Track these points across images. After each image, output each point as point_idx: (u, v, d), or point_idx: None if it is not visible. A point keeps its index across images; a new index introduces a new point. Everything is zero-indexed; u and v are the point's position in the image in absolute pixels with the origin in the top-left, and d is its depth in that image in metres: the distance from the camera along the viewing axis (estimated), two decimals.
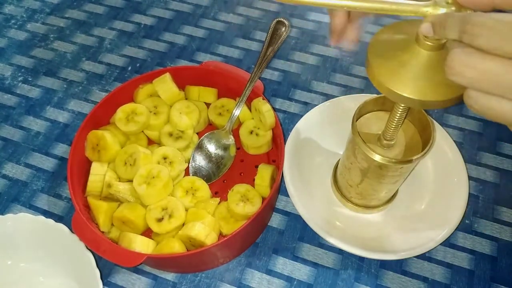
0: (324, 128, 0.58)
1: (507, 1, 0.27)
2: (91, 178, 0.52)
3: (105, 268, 0.52)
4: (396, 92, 0.31)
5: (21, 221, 0.50)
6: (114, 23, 0.77)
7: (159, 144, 0.57)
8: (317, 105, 0.59)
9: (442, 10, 0.29)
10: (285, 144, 0.54)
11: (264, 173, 0.52)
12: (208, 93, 0.60)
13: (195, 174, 0.56)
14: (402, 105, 0.38)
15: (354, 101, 0.57)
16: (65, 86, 0.69)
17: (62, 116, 0.66)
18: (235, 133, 0.58)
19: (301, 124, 0.57)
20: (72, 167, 0.51)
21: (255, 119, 0.58)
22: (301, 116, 0.58)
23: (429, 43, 0.30)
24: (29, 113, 0.66)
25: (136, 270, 0.52)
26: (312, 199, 0.54)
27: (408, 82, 0.31)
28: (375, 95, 0.44)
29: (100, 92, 0.68)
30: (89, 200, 0.51)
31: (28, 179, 0.60)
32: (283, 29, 0.56)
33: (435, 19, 0.29)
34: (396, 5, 0.30)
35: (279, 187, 0.56)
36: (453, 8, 0.29)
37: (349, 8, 0.30)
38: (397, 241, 0.51)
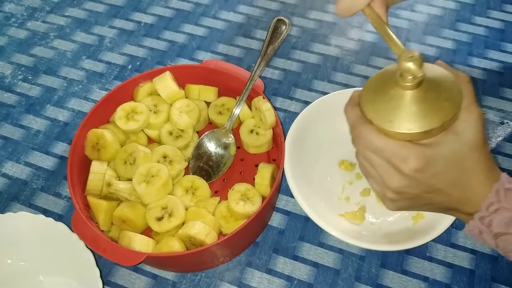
0: (321, 123, 0.58)
1: None
2: (91, 177, 0.51)
3: (105, 267, 0.52)
4: (397, 131, 0.35)
5: (21, 220, 0.50)
6: (114, 21, 0.77)
7: (159, 143, 0.57)
8: None
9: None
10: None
11: (264, 172, 0.52)
12: (208, 92, 0.60)
13: (195, 173, 0.56)
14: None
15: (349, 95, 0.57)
16: (65, 84, 0.69)
17: (62, 115, 0.66)
18: (235, 132, 0.58)
19: (298, 120, 0.56)
20: (72, 166, 0.50)
21: (256, 118, 0.57)
22: None
23: (409, 84, 0.35)
24: (29, 111, 0.66)
25: (136, 269, 0.52)
26: (314, 193, 0.53)
27: (405, 120, 0.35)
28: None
29: (100, 91, 0.68)
30: (89, 199, 0.51)
31: (28, 177, 0.59)
32: (284, 27, 0.56)
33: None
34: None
35: (279, 186, 0.56)
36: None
37: None
38: (403, 232, 0.50)
